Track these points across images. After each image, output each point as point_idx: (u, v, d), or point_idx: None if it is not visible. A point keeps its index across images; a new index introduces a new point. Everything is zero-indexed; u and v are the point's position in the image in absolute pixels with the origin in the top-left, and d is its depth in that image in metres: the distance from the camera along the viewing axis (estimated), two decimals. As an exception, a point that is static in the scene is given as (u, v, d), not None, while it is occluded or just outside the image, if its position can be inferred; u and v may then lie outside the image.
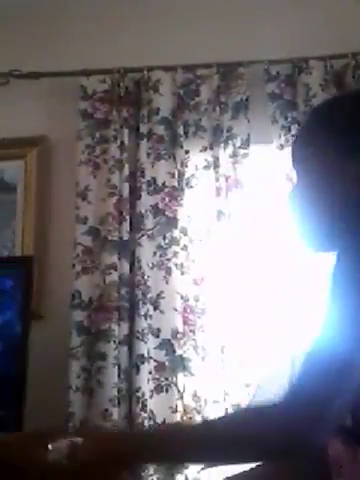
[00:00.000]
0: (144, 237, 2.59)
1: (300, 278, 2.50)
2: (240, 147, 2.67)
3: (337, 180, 1.27)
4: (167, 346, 2.50)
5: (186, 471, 2.37)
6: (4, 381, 2.29)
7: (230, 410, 2.39)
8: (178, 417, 2.43)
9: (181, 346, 2.50)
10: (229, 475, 1.40)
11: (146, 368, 2.46)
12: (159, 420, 2.43)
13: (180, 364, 2.48)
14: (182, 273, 2.57)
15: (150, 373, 2.47)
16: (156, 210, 2.64)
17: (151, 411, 2.43)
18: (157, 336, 2.52)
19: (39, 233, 2.77)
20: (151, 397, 2.45)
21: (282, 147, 2.66)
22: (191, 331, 2.52)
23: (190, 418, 2.42)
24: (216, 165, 2.65)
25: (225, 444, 1.13)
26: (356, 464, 1.15)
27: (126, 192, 2.65)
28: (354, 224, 1.20)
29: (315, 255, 1.41)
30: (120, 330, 2.51)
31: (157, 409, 2.44)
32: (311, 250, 1.37)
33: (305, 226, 1.33)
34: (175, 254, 2.58)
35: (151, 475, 2.36)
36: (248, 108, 2.70)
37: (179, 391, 2.46)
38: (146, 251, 2.58)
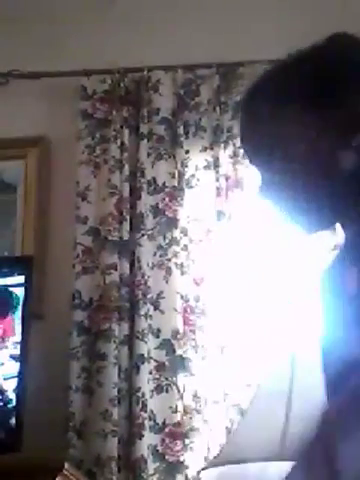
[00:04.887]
0: (144, 237, 2.59)
1: (300, 278, 2.50)
2: (240, 147, 2.67)
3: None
4: (167, 346, 2.50)
5: (186, 471, 2.37)
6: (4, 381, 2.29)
7: (230, 410, 2.39)
8: (178, 417, 2.43)
9: (181, 346, 2.50)
10: None
11: (146, 368, 2.46)
12: (159, 420, 2.43)
13: (180, 364, 2.48)
14: (182, 273, 2.57)
15: (150, 373, 2.47)
16: (156, 210, 2.64)
17: (151, 411, 2.43)
18: (157, 336, 2.52)
19: (39, 233, 2.77)
20: (151, 397, 2.45)
21: (282, 147, 2.66)
22: (191, 331, 2.52)
23: (190, 418, 2.42)
24: (216, 165, 2.65)
25: None
26: None
27: (126, 192, 2.65)
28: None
29: (314, 236, 1.26)
30: (120, 330, 2.51)
31: (157, 409, 2.44)
32: (310, 231, 1.21)
33: (298, 206, 1.16)
34: (175, 254, 2.58)
35: (151, 475, 2.36)
36: (248, 108, 2.70)
37: (179, 391, 2.46)
38: (146, 251, 2.58)
